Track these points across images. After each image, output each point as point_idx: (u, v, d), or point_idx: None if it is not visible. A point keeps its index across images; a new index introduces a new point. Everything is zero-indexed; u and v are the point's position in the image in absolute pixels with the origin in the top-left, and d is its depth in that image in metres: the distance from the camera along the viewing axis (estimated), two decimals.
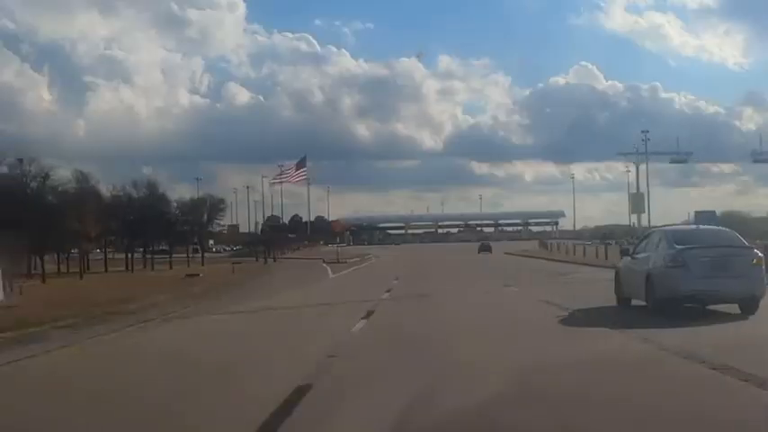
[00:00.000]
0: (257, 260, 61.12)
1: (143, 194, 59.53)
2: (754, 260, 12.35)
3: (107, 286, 29.20)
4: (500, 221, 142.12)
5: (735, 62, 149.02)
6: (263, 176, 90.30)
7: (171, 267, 54.28)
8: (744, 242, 13.14)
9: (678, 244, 12.60)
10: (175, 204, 63.02)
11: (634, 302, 13.87)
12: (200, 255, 70.94)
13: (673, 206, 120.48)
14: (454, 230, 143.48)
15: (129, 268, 55.82)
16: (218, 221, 71.63)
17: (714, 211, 30.86)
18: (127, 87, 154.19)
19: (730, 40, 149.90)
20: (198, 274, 36.33)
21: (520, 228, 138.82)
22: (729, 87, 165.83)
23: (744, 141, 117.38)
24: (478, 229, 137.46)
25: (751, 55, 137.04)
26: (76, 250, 53.55)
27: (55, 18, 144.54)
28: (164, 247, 68.76)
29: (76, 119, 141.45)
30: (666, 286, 12.28)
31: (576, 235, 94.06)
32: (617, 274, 14.93)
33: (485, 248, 71.38)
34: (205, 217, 66.37)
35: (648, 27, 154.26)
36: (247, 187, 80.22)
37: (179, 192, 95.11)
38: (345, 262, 50.29)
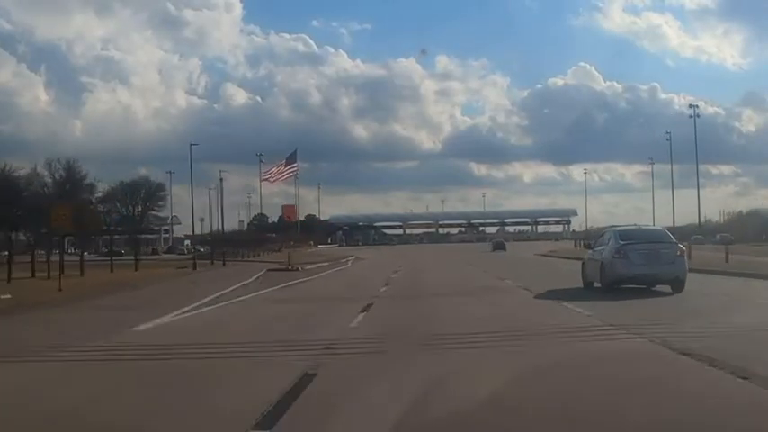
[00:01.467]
0: (212, 263, 50.48)
1: (59, 178, 45.91)
2: (678, 252, 17.34)
3: None
4: (506, 220, 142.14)
5: (733, 63, 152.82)
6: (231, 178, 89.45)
7: (82, 274, 34.58)
8: (672, 239, 18.11)
9: (622, 240, 17.65)
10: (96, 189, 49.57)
11: (595, 285, 18.61)
12: (171, 255, 64.94)
13: (676, 207, 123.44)
14: (454, 231, 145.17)
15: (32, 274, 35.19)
16: (155, 212, 61.00)
17: None
18: (124, 88, 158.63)
19: (729, 41, 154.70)
20: None
21: (525, 228, 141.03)
22: (728, 88, 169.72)
23: (744, 143, 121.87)
24: (481, 229, 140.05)
25: (749, 55, 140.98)
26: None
27: (51, 18, 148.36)
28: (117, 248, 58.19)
29: (73, 119, 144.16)
30: (613, 272, 17.39)
31: (585, 235, 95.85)
32: (583, 263, 19.86)
33: (499, 246, 72.37)
34: (140, 207, 55.49)
35: (647, 28, 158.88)
36: (221, 180, 77.80)
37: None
38: (298, 269, 37.01)
